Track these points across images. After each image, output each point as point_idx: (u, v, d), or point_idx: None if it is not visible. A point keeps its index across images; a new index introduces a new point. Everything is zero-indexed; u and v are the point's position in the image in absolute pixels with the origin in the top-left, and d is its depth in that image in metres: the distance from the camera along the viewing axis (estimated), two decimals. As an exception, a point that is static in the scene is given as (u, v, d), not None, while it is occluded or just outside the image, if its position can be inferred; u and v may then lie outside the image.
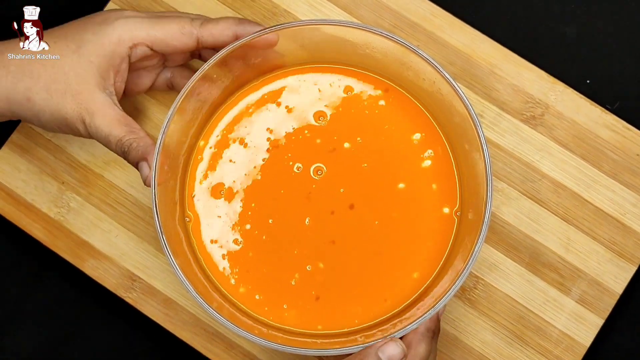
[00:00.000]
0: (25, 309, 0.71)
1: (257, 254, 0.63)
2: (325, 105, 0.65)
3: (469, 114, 0.60)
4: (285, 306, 0.62)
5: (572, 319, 0.67)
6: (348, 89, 0.65)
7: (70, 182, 0.70)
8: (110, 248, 0.69)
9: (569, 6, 0.73)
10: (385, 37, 0.61)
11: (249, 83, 0.65)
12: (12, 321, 0.70)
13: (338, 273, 0.62)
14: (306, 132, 0.64)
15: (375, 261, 0.62)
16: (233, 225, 0.63)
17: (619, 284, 0.67)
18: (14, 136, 0.70)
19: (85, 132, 0.62)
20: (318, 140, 0.64)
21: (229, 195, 0.63)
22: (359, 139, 0.64)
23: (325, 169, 0.64)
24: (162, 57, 0.66)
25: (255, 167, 0.64)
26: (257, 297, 0.62)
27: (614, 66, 0.72)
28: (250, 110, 0.65)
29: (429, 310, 0.57)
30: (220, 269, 0.63)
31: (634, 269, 0.67)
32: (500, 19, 0.73)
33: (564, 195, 0.68)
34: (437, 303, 0.57)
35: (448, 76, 0.60)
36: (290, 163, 0.64)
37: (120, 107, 0.62)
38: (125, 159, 0.61)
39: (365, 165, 0.64)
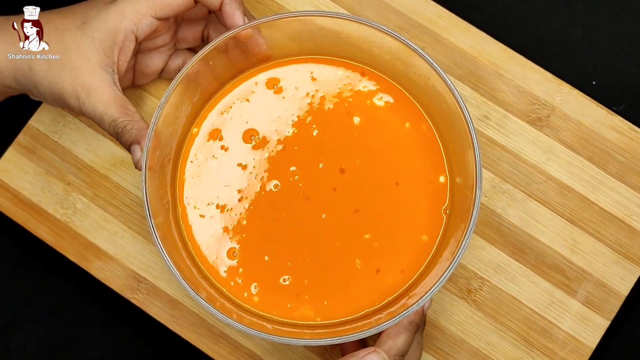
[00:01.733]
0: (31, 310, 0.71)
1: (311, 276, 0.62)
2: (246, 122, 0.64)
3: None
4: (325, 302, 0.62)
5: (578, 320, 0.67)
6: (274, 82, 0.65)
7: (76, 183, 0.70)
8: (116, 249, 0.69)
9: (575, 8, 0.73)
10: (373, 27, 0.61)
11: (216, 92, 0.65)
12: (18, 322, 0.70)
13: (381, 233, 0.62)
14: (252, 158, 0.64)
15: (397, 198, 0.62)
16: (271, 274, 0.62)
17: (624, 286, 0.67)
18: (20, 138, 0.70)
19: (78, 109, 0.62)
20: (266, 154, 0.64)
21: (246, 255, 0.63)
22: (294, 119, 0.64)
23: (294, 166, 0.64)
24: (173, 35, 0.66)
25: (245, 223, 0.63)
26: (324, 303, 0.62)
27: (619, 68, 0.72)
28: (200, 161, 0.64)
29: (422, 298, 0.57)
30: (275, 305, 0.62)
31: (639, 271, 0.67)
32: (506, 20, 0.73)
33: (570, 197, 0.68)
34: (430, 290, 0.57)
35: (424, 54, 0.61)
36: (268, 189, 0.63)
37: (120, 88, 0.62)
38: (117, 140, 0.62)
39: (317, 132, 0.64)
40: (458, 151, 0.62)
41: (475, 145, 0.59)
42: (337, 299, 0.62)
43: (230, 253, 0.63)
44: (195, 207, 0.63)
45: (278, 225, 0.63)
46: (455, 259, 0.58)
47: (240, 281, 0.62)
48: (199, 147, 0.64)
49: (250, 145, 0.64)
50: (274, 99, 0.65)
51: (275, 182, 0.63)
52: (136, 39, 0.63)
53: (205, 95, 0.65)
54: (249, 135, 0.64)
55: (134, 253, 0.69)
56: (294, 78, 0.65)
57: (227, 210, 0.63)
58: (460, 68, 0.70)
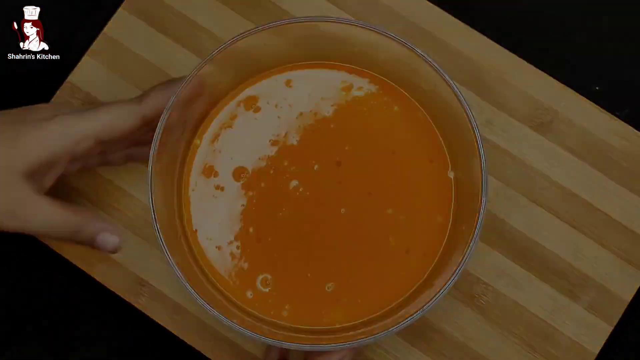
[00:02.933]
0: (34, 313, 0.71)
1: (355, 274, 0.62)
2: (231, 158, 0.64)
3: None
4: (359, 300, 0.62)
5: (581, 326, 0.67)
6: (252, 102, 0.65)
7: (80, 187, 0.70)
8: (119, 253, 0.68)
9: (578, 13, 0.73)
10: (372, 30, 0.61)
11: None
12: (20, 325, 0.70)
13: (400, 204, 0.63)
14: (252, 194, 0.63)
15: (398, 167, 0.63)
16: (315, 287, 0.62)
17: (627, 292, 0.67)
18: (24, 141, 0.70)
19: (15, 225, 0.59)
20: (262, 184, 0.63)
21: (280, 280, 0.62)
22: (271, 138, 0.64)
23: (296, 181, 0.63)
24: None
25: (275, 255, 0.63)
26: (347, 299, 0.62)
27: (623, 73, 0.72)
28: (202, 195, 0.64)
29: (425, 306, 0.58)
30: (307, 315, 0.62)
31: (643, 277, 0.67)
32: (509, 26, 0.73)
33: (573, 202, 0.68)
34: (431, 300, 0.58)
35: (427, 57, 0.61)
36: (280, 214, 0.63)
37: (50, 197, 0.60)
38: (76, 239, 0.60)
39: (297, 138, 0.63)
40: (463, 154, 0.62)
41: (482, 153, 0.59)
42: (370, 294, 0.62)
43: (263, 282, 0.62)
44: (210, 243, 0.63)
45: (306, 242, 0.63)
46: (459, 267, 0.58)
47: (270, 301, 0.62)
48: (199, 183, 0.64)
49: (242, 183, 0.63)
50: (251, 123, 0.64)
51: (284, 205, 0.63)
52: (72, 157, 0.61)
53: (200, 114, 0.64)
54: (239, 174, 0.64)
55: (138, 257, 0.69)
56: (270, 92, 0.65)
57: (249, 249, 0.63)
58: (464, 73, 0.70)
